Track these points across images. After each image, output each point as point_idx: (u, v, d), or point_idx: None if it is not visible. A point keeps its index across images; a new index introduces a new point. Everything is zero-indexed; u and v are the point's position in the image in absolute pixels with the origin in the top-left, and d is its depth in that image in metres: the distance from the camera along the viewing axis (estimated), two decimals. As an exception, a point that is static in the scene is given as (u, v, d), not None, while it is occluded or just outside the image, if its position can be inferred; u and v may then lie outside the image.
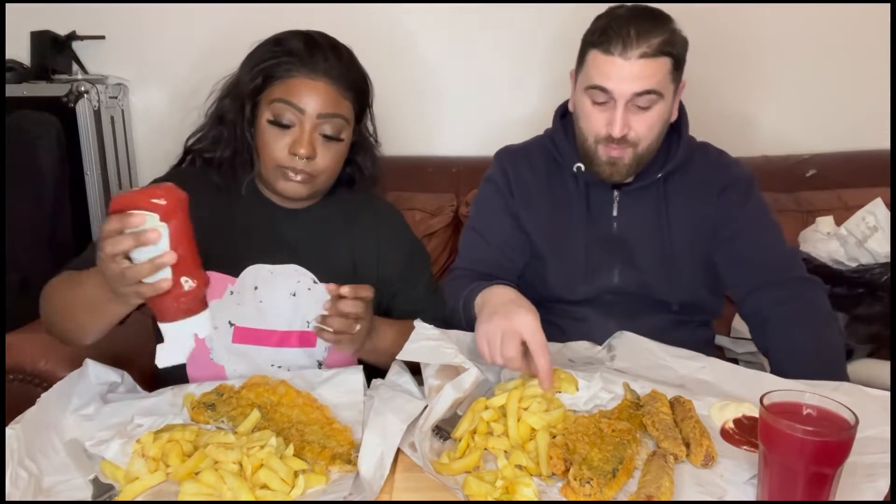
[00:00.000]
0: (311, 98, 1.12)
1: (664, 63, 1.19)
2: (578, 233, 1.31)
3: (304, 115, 1.12)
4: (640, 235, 1.31)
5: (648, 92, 1.18)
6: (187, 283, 0.83)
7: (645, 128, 1.22)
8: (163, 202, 0.81)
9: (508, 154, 1.41)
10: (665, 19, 1.20)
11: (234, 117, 1.19)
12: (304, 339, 1.20)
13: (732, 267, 1.30)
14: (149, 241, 0.80)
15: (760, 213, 1.32)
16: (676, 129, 1.32)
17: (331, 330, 1.01)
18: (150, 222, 0.80)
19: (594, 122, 1.23)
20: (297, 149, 1.12)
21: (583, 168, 1.31)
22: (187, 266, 0.83)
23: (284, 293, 1.19)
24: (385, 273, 1.27)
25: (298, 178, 1.15)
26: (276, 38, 1.17)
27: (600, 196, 1.32)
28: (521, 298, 1.07)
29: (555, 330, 1.26)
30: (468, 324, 1.14)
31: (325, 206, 1.27)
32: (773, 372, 1.13)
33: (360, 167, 1.28)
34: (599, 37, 1.19)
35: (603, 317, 1.29)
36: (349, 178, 1.29)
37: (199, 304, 0.85)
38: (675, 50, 1.20)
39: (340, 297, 1.01)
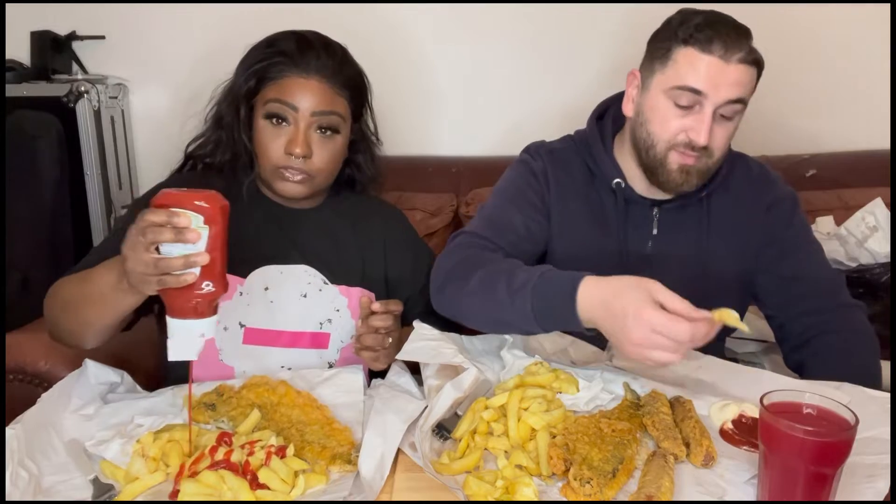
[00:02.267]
0: (304, 96, 1.12)
1: (754, 72, 1.12)
2: (611, 248, 1.24)
3: (297, 113, 1.12)
4: (677, 255, 1.24)
5: (738, 101, 1.11)
6: (207, 287, 0.85)
7: (724, 138, 1.15)
8: (208, 206, 0.84)
9: (546, 151, 1.30)
10: (745, 28, 1.13)
11: (231, 121, 1.19)
12: (316, 341, 1.20)
13: (777, 288, 1.26)
14: (188, 241, 0.83)
15: (806, 233, 1.29)
16: None
17: (366, 345, 1.05)
18: (193, 223, 0.83)
19: (672, 127, 1.13)
20: (292, 148, 1.12)
21: (623, 184, 1.23)
22: (214, 271, 0.85)
23: (295, 294, 1.19)
24: (393, 275, 1.28)
25: (297, 177, 1.15)
26: (269, 40, 1.18)
27: (639, 213, 1.25)
28: (613, 280, 0.93)
29: None
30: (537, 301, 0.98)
31: (332, 208, 1.27)
32: None
33: (360, 166, 1.28)
34: (695, 33, 1.10)
35: None
36: (349, 178, 1.29)
37: (210, 308, 0.87)
38: (761, 59, 1.13)
39: (371, 312, 1.05)
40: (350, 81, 1.18)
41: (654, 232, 1.25)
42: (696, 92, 1.10)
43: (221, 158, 1.21)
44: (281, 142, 1.13)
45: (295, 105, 1.12)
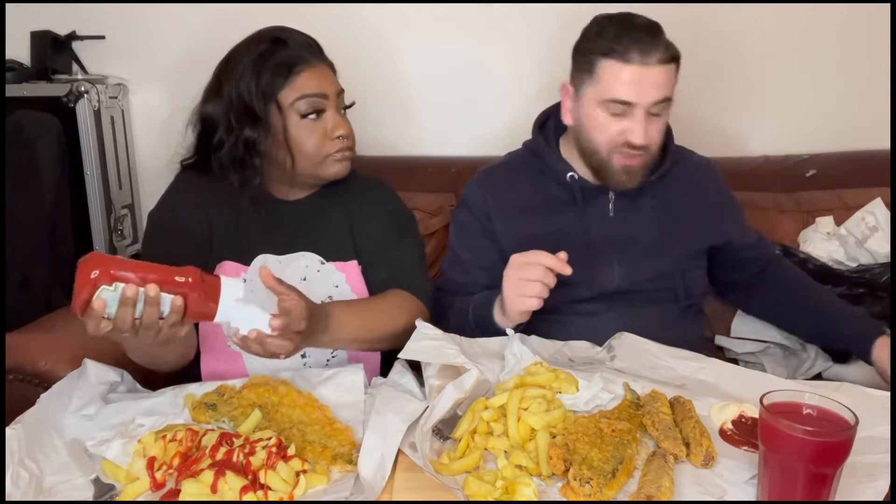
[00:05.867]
0: (323, 82, 1.19)
1: (674, 68, 1.22)
2: (575, 237, 1.31)
3: (327, 100, 1.19)
4: (637, 235, 1.33)
5: (666, 99, 1.21)
6: (182, 280, 0.88)
7: (657, 133, 1.25)
8: (97, 273, 0.84)
9: (486, 175, 1.41)
10: (657, 25, 1.22)
11: (251, 134, 1.18)
12: None
13: (728, 267, 1.42)
14: (135, 301, 0.86)
15: (734, 202, 1.44)
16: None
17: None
18: (115, 292, 0.85)
19: (610, 132, 1.23)
20: (338, 130, 1.19)
21: (576, 177, 1.32)
22: (169, 279, 0.88)
23: (296, 278, 1.21)
24: (361, 241, 1.29)
25: (346, 154, 1.22)
26: (261, 54, 1.18)
27: (595, 199, 1.33)
28: None
29: (562, 328, 1.27)
30: (482, 331, 1.19)
31: (325, 193, 1.30)
32: (784, 329, 1.39)
33: None
34: (614, 45, 1.18)
35: (607, 310, 1.32)
36: None
37: (212, 288, 0.90)
38: (677, 53, 1.22)
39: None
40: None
41: (611, 214, 1.33)
42: (626, 103, 1.19)
43: (230, 164, 1.20)
44: (320, 131, 1.18)
45: (324, 93, 1.18)
